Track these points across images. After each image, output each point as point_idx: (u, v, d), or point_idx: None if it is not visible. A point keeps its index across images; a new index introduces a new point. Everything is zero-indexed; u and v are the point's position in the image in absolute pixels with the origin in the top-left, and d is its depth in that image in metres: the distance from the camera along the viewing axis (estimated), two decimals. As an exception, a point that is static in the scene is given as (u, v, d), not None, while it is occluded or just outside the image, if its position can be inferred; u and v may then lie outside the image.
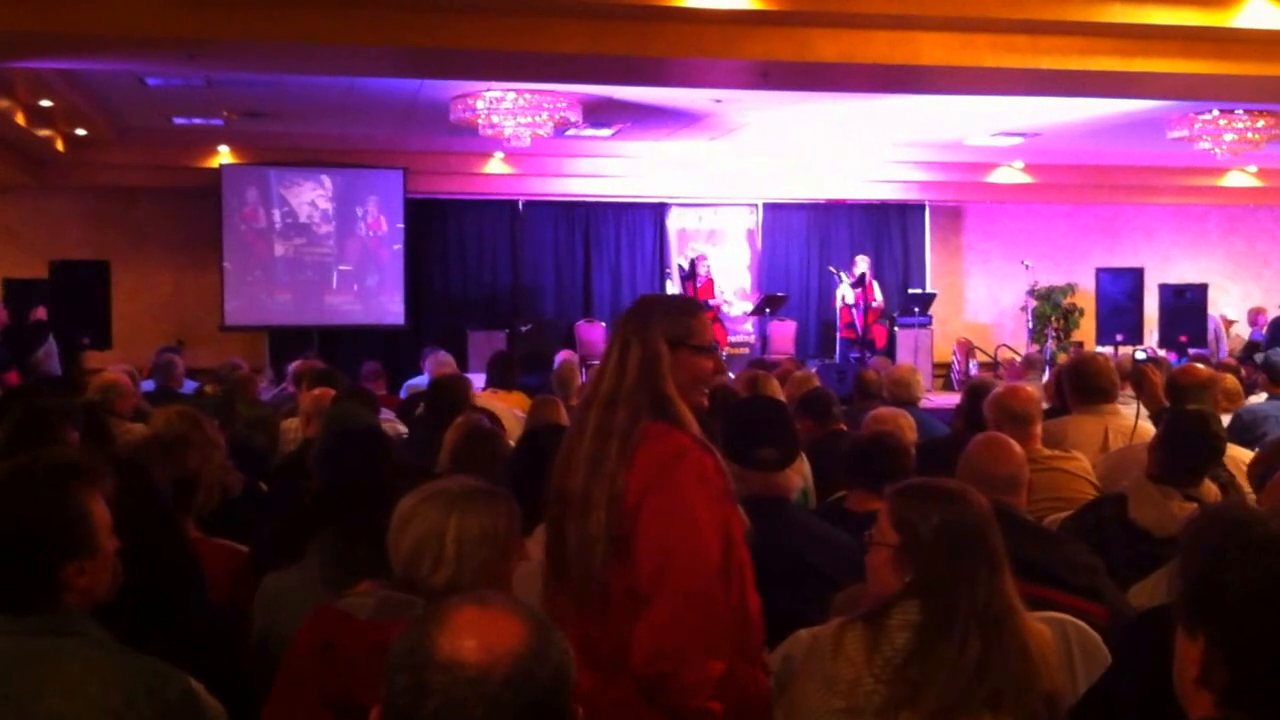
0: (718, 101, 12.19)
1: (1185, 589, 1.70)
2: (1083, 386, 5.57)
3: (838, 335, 15.98)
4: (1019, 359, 12.96)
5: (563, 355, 9.54)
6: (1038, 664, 2.58)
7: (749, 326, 17.01)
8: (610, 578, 2.60)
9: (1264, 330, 15.66)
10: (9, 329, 11.12)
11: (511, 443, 4.76)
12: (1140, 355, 8.95)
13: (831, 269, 16.46)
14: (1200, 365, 6.74)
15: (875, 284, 16.02)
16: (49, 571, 2.26)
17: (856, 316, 15.56)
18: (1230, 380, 7.18)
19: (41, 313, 11.55)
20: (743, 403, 4.86)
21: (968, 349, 16.59)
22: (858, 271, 15.88)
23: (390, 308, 15.75)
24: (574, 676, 1.50)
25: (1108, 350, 14.55)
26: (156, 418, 4.19)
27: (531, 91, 11.50)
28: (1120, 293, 15.82)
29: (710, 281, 16.01)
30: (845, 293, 15.80)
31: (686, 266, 15.93)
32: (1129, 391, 6.14)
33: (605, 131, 13.94)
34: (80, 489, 2.32)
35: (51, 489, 2.30)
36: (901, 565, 2.67)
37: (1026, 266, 16.88)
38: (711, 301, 15.57)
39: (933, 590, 2.61)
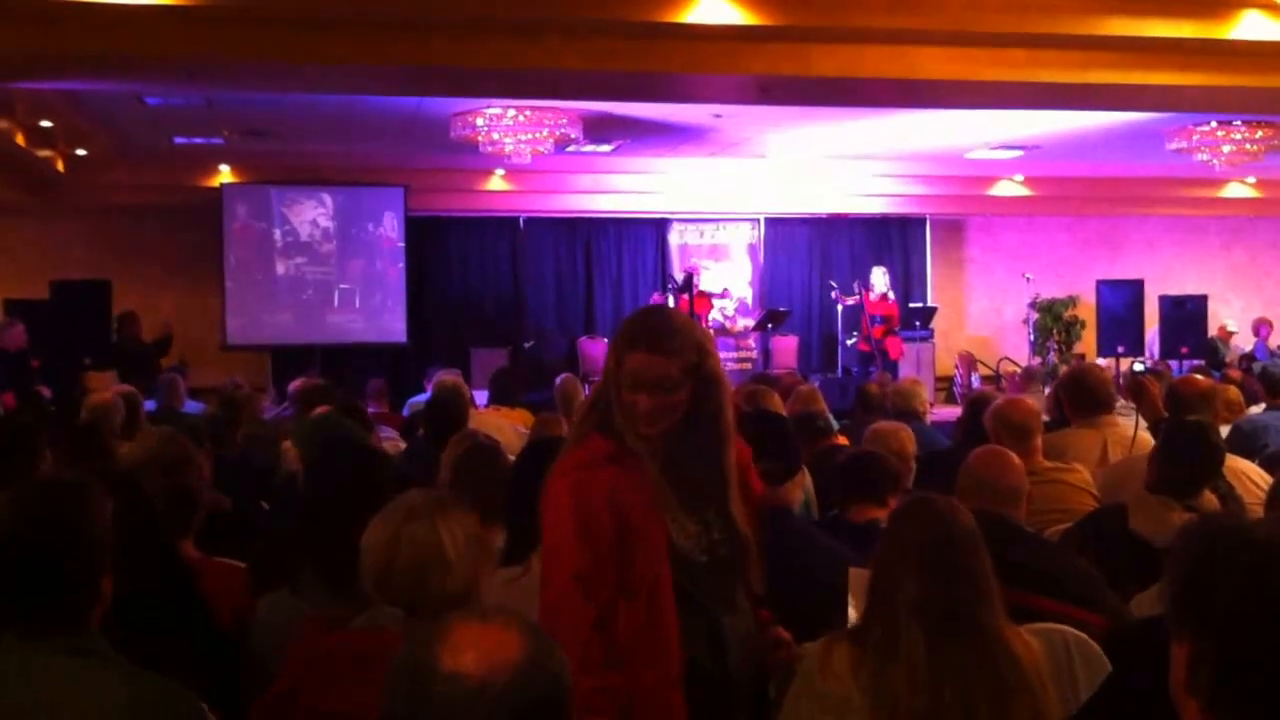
0: (718, 117, 12.21)
1: (1172, 594, 1.70)
2: (1081, 399, 5.58)
3: (858, 348, 15.61)
4: (1020, 371, 12.93)
5: (564, 376, 9.50)
6: (1009, 691, 2.53)
7: (751, 342, 17.00)
8: None
9: (1267, 342, 15.66)
10: (7, 354, 10.97)
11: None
12: (1139, 367, 8.93)
13: (832, 284, 16.38)
14: (1200, 376, 6.74)
15: (890, 294, 15.95)
16: (93, 587, 2.29)
17: (873, 329, 15.43)
18: (1232, 391, 7.18)
19: (16, 339, 11.02)
20: (742, 418, 4.86)
21: (969, 362, 16.58)
22: (877, 284, 15.69)
23: (393, 326, 15.73)
24: (572, 687, 1.52)
25: (1107, 362, 14.57)
26: (148, 437, 4.10)
27: (531, 108, 11.52)
28: (1121, 304, 15.83)
29: (706, 297, 15.77)
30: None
31: (680, 279, 15.49)
32: (1129, 403, 6.14)
33: (606, 148, 13.96)
34: (103, 503, 2.37)
35: (88, 502, 2.34)
36: None
37: (1028, 279, 16.87)
38: (709, 316, 15.43)
39: (877, 605, 2.61)
